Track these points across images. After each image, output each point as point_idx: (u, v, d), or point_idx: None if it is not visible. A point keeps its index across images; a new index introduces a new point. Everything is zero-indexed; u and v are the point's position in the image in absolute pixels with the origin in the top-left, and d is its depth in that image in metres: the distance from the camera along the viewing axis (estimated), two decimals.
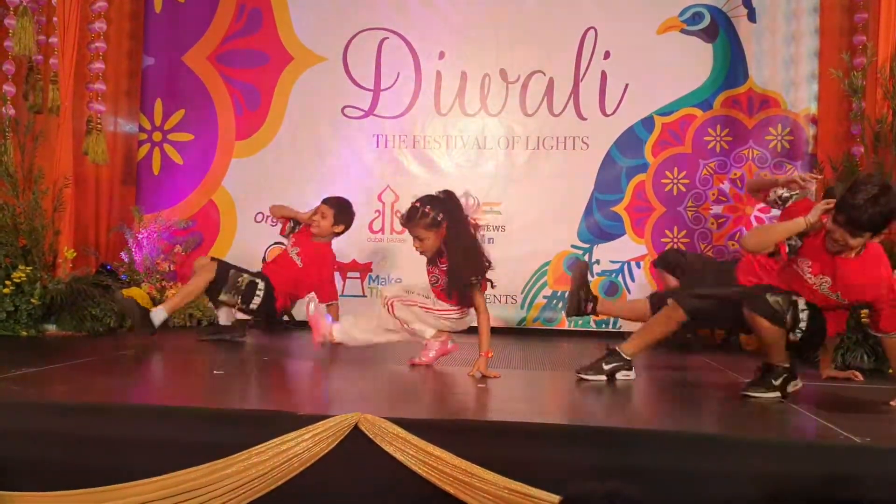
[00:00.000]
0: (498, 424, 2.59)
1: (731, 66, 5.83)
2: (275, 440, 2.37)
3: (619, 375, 3.58)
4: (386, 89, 6.12)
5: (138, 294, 5.46)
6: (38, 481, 2.40)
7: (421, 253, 3.80)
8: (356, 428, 2.38)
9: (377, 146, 6.11)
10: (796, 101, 5.79)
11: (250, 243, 6.04)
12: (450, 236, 3.68)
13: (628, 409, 3.29)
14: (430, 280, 3.85)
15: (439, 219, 3.65)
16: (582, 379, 3.56)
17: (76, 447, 2.47)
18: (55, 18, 5.30)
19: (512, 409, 3.03)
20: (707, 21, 5.85)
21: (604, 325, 5.72)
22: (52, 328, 4.78)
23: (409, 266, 5.83)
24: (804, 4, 5.77)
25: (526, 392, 3.45)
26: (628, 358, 3.59)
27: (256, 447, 2.36)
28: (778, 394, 3.31)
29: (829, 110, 5.60)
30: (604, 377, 3.56)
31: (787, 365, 3.33)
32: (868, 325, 3.53)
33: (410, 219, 3.70)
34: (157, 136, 6.27)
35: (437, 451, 2.32)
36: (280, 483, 2.34)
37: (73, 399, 2.88)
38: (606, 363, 3.58)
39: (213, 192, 6.20)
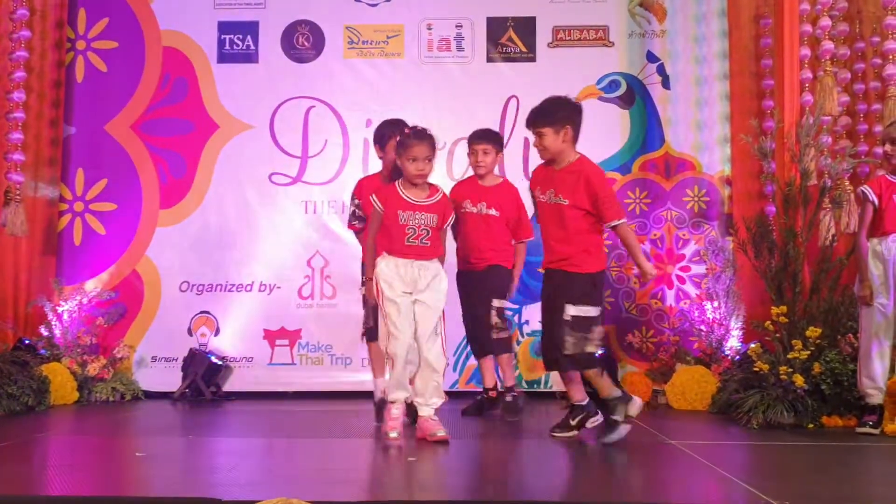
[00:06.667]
0: None
1: (648, 131, 6.07)
2: None
3: (588, 424, 3.90)
4: (314, 156, 6.15)
5: (58, 369, 5.28)
6: None
7: None
8: None
9: (306, 212, 6.10)
10: (711, 164, 6.05)
11: (175, 313, 5.94)
12: None
13: (560, 478, 3.28)
14: None
15: None
16: (555, 437, 3.90)
17: None
18: None
19: (448, 486, 3.01)
20: (623, 88, 6.09)
21: (535, 386, 5.79)
22: None
23: (340, 331, 5.86)
24: (715, 70, 6.10)
25: (461, 465, 3.43)
26: (585, 404, 3.91)
27: None
28: (576, 432, 3.88)
29: (743, 171, 5.85)
30: (575, 431, 3.90)
31: (584, 403, 3.88)
32: None
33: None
34: (78, 206, 6.14)
35: None
36: None
37: None
38: (573, 418, 3.92)
39: (137, 261, 6.07)
